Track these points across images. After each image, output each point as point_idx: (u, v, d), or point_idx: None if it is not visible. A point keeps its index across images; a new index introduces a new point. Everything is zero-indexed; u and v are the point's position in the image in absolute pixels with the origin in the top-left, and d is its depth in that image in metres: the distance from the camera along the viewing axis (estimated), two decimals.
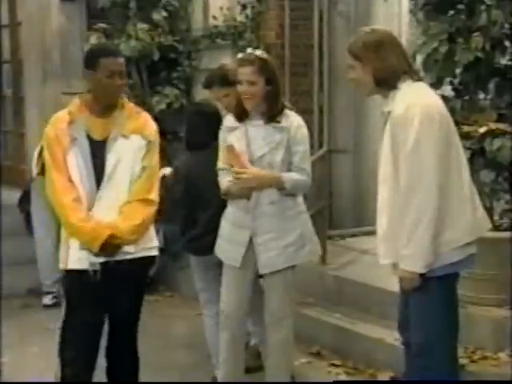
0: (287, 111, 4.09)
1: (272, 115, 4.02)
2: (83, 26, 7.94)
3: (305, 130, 4.09)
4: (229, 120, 4.14)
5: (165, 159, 6.37)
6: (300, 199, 4.17)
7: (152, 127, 3.80)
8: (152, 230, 3.85)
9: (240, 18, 6.94)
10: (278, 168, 4.01)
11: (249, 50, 4.14)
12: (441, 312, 3.36)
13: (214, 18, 7.28)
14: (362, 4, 6.82)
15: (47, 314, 6.06)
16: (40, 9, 7.99)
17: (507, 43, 4.55)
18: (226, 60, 5.86)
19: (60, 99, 7.03)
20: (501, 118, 4.52)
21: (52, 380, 4.11)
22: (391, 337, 4.48)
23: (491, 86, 4.63)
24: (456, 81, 4.70)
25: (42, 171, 5.86)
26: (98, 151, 3.63)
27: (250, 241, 4.04)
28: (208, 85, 4.79)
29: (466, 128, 4.36)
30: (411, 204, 3.23)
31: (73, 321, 3.70)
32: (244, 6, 6.85)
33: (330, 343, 5.02)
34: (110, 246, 3.60)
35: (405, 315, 3.50)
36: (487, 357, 4.32)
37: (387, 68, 3.34)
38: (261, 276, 4.17)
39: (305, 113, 6.47)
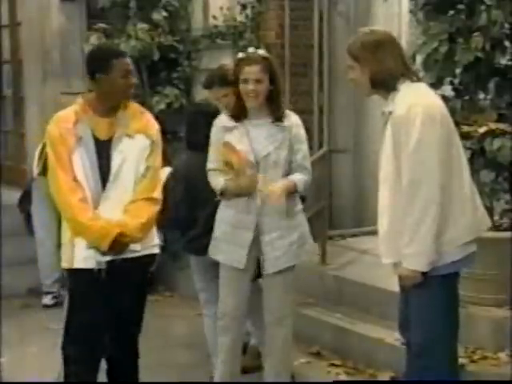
0: (287, 110, 4.12)
1: (279, 115, 4.04)
2: (83, 26, 7.94)
3: (303, 129, 4.14)
4: (223, 120, 4.10)
5: (165, 159, 6.38)
6: (298, 198, 4.17)
7: (155, 127, 3.84)
8: (154, 228, 3.88)
9: (240, 18, 6.93)
10: (283, 167, 4.03)
11: (250, 50, 4.14)
12: (442, 311, 3.37)
13: (214, 17, 7.27)
14: (361, 4, 6.82)
15: (47, 314, 6.07)
16: (40, 9, 7.99)
17: (507, 43, 4.55)
18: (226, 60, 5.86)
19: (60, 99, 7.03)
20: (501, 118, 4.52)
21: (52, 380, 4.12)
22: (391, 337, 4.48)
23: (491, 85, 4.63)
24: (456, 81, 4.70)
25: (43, 171, 5.90)
26: (103, 151, 3.65)
27: (252, 241, 4.03)
28: (208, 85, 4.80)
29: (465, 128, 4.36)
30: (414, 203, 3.24)
31: (77, 320, 3.70)
32: (244, 6, 6.85)
33: (330, 343, 5.02)
34: (118, 244, 3.63)
35: (405, 315, 3.50)
36: (487, 357, 4.32)
37: (384, 70, 3.36)
38: (259, 276, 4.17)
39: (305, 113, 6.49)
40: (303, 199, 6.35)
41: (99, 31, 7.44)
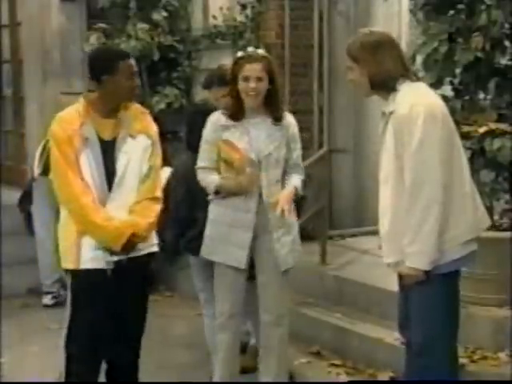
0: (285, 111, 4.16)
1: (278, 115, 4.06)
2: (83, 26, 7.94)
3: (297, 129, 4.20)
4: (220, 118, 4.08)
5: (165, 159, 6.37)
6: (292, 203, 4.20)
7: (154, 127, 3.87)
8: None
9: (240, 18, 6.94)
10: (282, 165, 4.04)
11: (250, 49, 4.14)
12: (443, 310, 3.38)
13: (214, 17, 7.28)
14: (361, 4, 6.82)
15: (47, 314, 6.07)
16: (40, 9, 7.98)
17: (507, 43, 4.55)
18: (226, 60, 5.85)
19: (60, 99, 7.04)
20: (501, 118, 4.52)
21: (52, 380, 4.11)
22: (391, 337, 4.48)
23: (491, 85, 4.63)
24: (456, 81, 4.70)
25: (45, 171, 5.90)
26: (107, 152, 3.66)
27: (251, 240, 4.03)
28: (207, 85, 4.80)
29: (466, 128, 4.36)
30: (416, 203, 3.25)
31: (82, 320, 3.68)
32: (244, 6, 6.85)
33: (330, 343, 5.02)
34: (130, 244, 3.67)
35: (405, 314, 3.51)
36: (487, 357, 4.32)
37: (383, 71, 3.37)
38: (252, 276, 4.16)
39: (305, 113, 6.52)
40: (303, 199, 6.37)
41: (99, 31, 7.45)
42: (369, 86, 3.42)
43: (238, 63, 4.03)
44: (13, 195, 7.11)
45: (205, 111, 4.44)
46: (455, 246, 3.33)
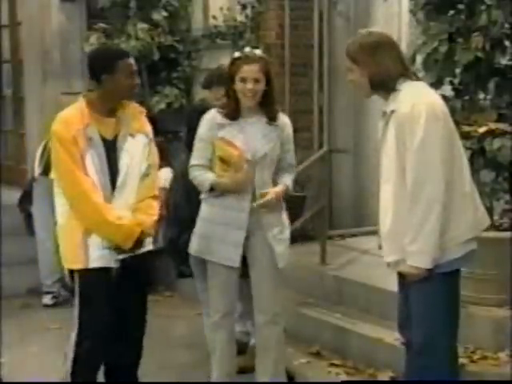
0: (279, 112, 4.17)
1: (273, 115, 4.07)
2: (83, 26, 7.94)
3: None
4: (216, 117, 4.07)
5: (166, 160, 6.40)
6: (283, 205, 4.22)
7: (149, 125, 3.91)
8: None
9: (240, 18, 6.94)
10: (275, 165, 4.06)
11: (247, 49, 4.14)
12: (443, 309, 3.38)
13: (214, 17, 7.28)
14: (361, 4, 6.82)
15: (47, 314, 6.07)
16: (40, 9, 7.98)
17: (507, 43, 4.55)
18: (226, 60, 5.85)
19: (60, 99, 7.03)
20: (501, 118, 4.52)
21: (52, 380, 4.11)
22: (391, 337, 4.48)
23: (491, 85, 4.63)
24: (456, 81, 4.70)
25: (45, 171, 5.90)
26: (110, 151, 3.67)
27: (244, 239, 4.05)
28: (207, 85, 4.80)
29: (466, 128, 4.36)
30: (418, 201, 3.26)
31: (94, 319, 3.67)
32: (244, 6, 6.85)
33: (330, 343, 5.02)
34: (138, 242, 3.71)
35: (405, 314, 3.51)
36: (487, 357, 4.32)
37: (383, 71, 3.38)
38: (244, 274, 4.16)
39: (305, 113, 6.52)
40: (304, 199, 6.38)
41: (99, 31, 7.45)
42: (369, 86, 3.43)
43: (235, 64, 4.03)
44: (13, 195, 7.11)
45: (202, 111, 4.44)
46: (456, 245, 3.34)
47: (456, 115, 4.24)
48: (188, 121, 4.64)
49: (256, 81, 3.97)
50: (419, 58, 4.67)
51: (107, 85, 3.66)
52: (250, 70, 3.97)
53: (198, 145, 4.12)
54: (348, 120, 6.81)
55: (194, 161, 4.12)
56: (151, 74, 7.48)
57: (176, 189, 4.70)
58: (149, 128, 3.87)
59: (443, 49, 4.53)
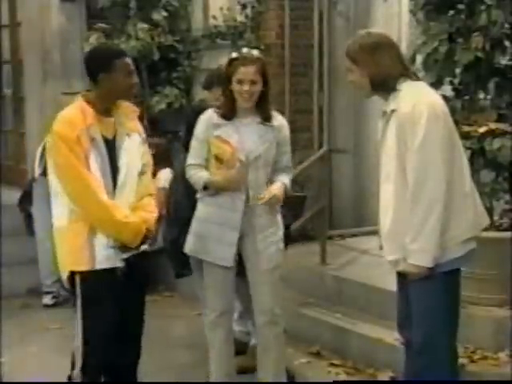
0: (273, 111, 4.16)
1: (267, 116, 4.07)
2: (83, 26, 7.93)
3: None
4: (212, 117, 4.08)
5: (168, 160, 6.39)
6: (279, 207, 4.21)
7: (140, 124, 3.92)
8: None
9: (240, 18, 6.94)
10: (271, 166, 4.06)
11: (245, 50, 4.14)
12: (443, 308, 3.39)
13: (214, 17, 7.28)
14: (361, 4, 6.82)
15: (47, 314, 6.08)
16: (40, 9, 7.98)
17: (507, 43, 4.56)
18: (226, 60, 5.87)
19: (60, 99, 7.03)
20: (501, 118, 4.53)
21: (51, 380, 4.11)
22: (391, 337, 4.48)
23: (491, 85, 4.63)
24: (456, 81, 4.71)
25: (45, 171, 5.90)
26: (111, 150, 3.66)
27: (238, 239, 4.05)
28: (207, 85, 4.80)
29: (466, 128, 4.36)
30: (419, 201, 3.27)
31: (98, 321, 3.63)
32: (244, 6, 6.85)
33: (330, 343, 5.02)
34: (143, 240, 3.72)
35: (404, 313, 3.52)
36: (487, 357, 4.32)
37: (383, 71, 3.39)
38: (240, 273, 4.16)
39: (305, 113, 6.52)
40: (304, 199, 6.38)
41: (99, 31, 7.45)
42: (369, 86, 3.44)
43: (232, 65, 4.03)
44: (13, 195, 7.11)
45: (200, 111, 4.43)
46: (456, 245, 3.35)
47: (456, 115, 4.24)
48: (187, 121, 4.64)
49: (253, 82, 3.98)
50: (419, 58, 4.67)
51: (104, 84, 3.65)
52: (246, 72, 3.97)
53: (194, 144, 4.13)
54: (348, 120, 6.81)
55: (190, 160, 4.14)
56: (151, 73, 7.48)
57: (176, 189, 4.70)
58: (141, 127, 3.88)
59: (443, 49, 4.53)
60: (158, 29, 7.42)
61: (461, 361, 3.89)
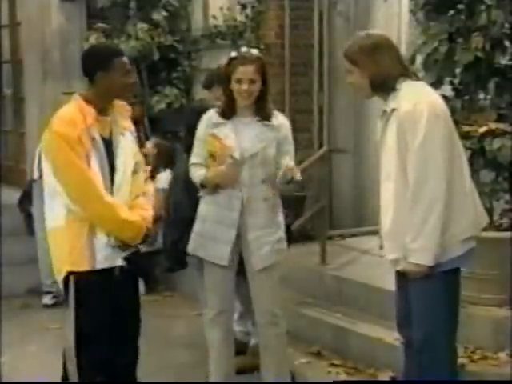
0: (274, 110, 4.15)
1: (266, 114, 4.06)
2: (83, 26, 7.94)
3: (290, 130, 4.18)
4: (213, 116, 4.10)
5: (170, 161, 6.38)
6: (280, 207, 4.19)
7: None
8: None
9: (240, 18, 6.94)
10: (270, 165, 4.03)
11: (244, 49, 4.14)
12: (443, 307, 3.39)
13: (214, 17, 7.28)
14: (361, 4, 6.82)
15: (47, 314, 6.07)
16: (40, 8, 7.99)
17: (507, 43, 4.56)
18: (226, 60, 5.87)
19: (60, 99, 7.03)
20: (501, 118, 4.52)
21: (51, 380, 4.11)
22: (391, 336, 4.48)
23: (491, 85, 4.63)
24: (456, 81, 4.71)
25: None
26: (108, 149, 3.65)
27: (236, 238, 4.04)
28: (207, 85, 4.80)
29: (466, 128, 4.36)
30: (419, 200, 3.27)
31: (94, 321, 3.61)
32: (244, 6, 6.86)
33: (330, 343, 5.02)
34: (144, 238, 3.73)
35: (404, 313, 3.52)
36: (487, 357, 4.32)
37: (383, 72, 3.40)
38: (240, 272, 4.16)
39: (305, 113, 6.52)
40: (304, 199, 6.38)
41: (99, 31, 7.45)
42: (369, 87, 3.44)
43: (231, 64, 4.04)
44: (13, 195, 7.12)
45: (201, 112, 4.43)
46: (456, 243, 3.36)
47: (456, 115, 4.24)
48: (186, 122, 4.64)
49: (251, 81, 3.98)
50: (419, 58, 4.67)
51: (102, 83, 3.63)
52: (245, 71, 3.98)
53: (195, 143, 4.15)
54: (348, 120, 6.81)
55: (192, 159, 4.15)
56: (151, 73, 7.49)
57: (176, 189, 4.70)
58: (132, 126, 3.87)
59: (443, 49, 4.53)
60: (157, 29, 7.43)
61: (461, 361, 3.90)
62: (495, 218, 4.61)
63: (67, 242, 3.62)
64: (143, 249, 6.31)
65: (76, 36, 7.89)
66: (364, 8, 6.81)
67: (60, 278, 3.65)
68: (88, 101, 3.65)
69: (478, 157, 4.47)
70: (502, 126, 4.44)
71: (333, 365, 4.80)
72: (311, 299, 5.47)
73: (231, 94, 4.04)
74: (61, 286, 3.69)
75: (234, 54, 4.10)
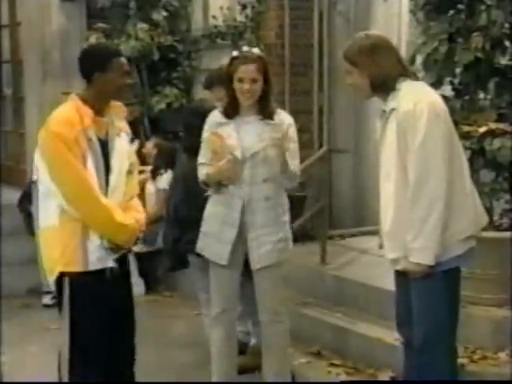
0: (278, 109, 4.15)
1: (268, 113, 4.06)
2: (83, 26, 7.95)
3: (294, 128, 4.16)
4: (217, 116, 4.11)
5: (172, 161, 6.38)
6: (286, 207, 4.19)
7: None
8: None
9: (240, 18, 6.94)
10: (273, 164, 4.02)
11: (245, 48, 4.14)
12: (444, 306, 3.39)
13: (214, 17, 7.28)
14: (361, 4, 6.82)
15: (47, 314, 6.06)
16: (40, 9, 7.99)
17: (507, 43, 4.56)
18: (226, 60, 5.87)
19: (60, 99, 7.03)
20: (501, 118, 4.53)
21: (51, 380, 4.10)
22: (391, 336, 4.48)
23: (491, 85, 4.63)
24: (456, 81, 4.71)
25: None
26: (104, 150, 3.64)
27: (237, 237, 4.04)
28: (208, 85, 4.81)
29: (466, 128, 4.36)
30: (420, 199, 3.28)
31: (88, 322, 3.60)
32: (244, 6, 6.86)
33: (330, 343, 5.02)
34: (136, 240, 3.78)
35: (403, 312, 3.53)
36: (487, 357, 4.32)
37: (383, 72, 3.41)
38: (246, 272, 4.16)
39: (305, 113, 6.53)
40: (304, 199, 6.38)
41: (99, 31, 7.45)
42: (369, 88, 3.45)
43: (233, 63, 4.04)
44: (13, 195, 7.12)
45: (201, 113, 4.42)
46: (456, 242, 3.36)
47: (456, 115, 4.24)
48: (186, 122, 4.63)
49: (253, 81, 3.99)
50: (419, 58, 4.68)
51: (99, 83, 3.61)
52: (247, 71, 3.98)
53: (202, 143, 4.16)
54: (348, 120, 6.81)
55: (199, 159, 4.16)
56: (151, 73, 7.49)
57: (176, 190, 4.70)
58: (128, 127, 3.86)
59: (443, 49, 4.53)
60: (157, 29, 7.43)
61: (461, 361, 3.89)
62: (495, 217, 4.62)
63: (60, 242, 3.58)
64: (143, 249, 6.34)
65: (76, 36, 7.89)
66: (364, 8, 6.81)
67: (52, 278, 3.62)
68: (85, 101, 3.63)
69: (478, 157, 4.47)
70: (501, 125, 4.44)
71: (333, 365, 4.80)
72: (311, 299, 5.47)
73: (234, 94, 4.04)
74: (52, 285, 3.69)
75: (235, 53, 4.10)
